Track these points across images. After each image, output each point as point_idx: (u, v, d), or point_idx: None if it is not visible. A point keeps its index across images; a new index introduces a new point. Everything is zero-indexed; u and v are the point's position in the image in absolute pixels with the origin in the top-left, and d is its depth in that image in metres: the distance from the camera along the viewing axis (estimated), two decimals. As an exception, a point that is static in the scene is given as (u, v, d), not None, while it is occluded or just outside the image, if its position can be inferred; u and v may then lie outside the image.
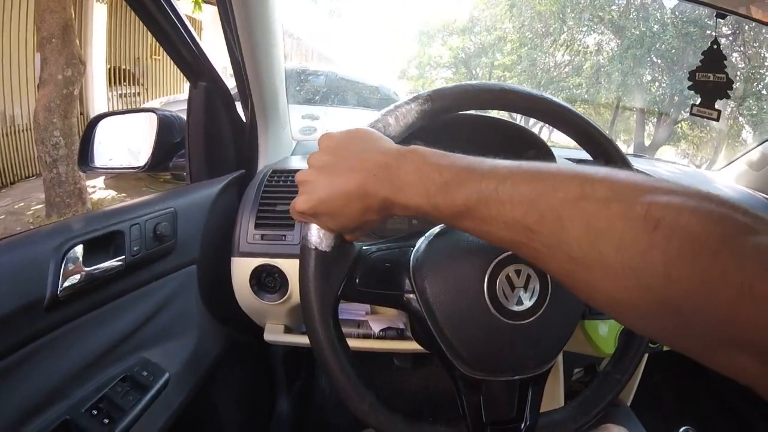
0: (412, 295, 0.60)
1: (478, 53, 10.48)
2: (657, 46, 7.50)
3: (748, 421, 1.70)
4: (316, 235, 0.54)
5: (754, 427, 1.68)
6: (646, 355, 1.32)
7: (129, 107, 6.97)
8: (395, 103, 0.57)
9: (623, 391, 1.36)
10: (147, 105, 5.91)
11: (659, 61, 7.67)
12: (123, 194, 5.34)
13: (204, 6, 4.51)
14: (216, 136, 1.09)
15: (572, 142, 0.70)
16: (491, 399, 0.61)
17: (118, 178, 5.73)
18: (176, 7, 0.91)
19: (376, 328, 1.03)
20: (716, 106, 1.08)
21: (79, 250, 0.68)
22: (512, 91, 0.62)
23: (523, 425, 0.63)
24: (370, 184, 0.48)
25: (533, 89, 0.63)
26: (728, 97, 1.06)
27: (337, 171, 0.50)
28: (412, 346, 0.91)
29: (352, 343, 1.03)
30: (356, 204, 0.49)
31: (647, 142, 7.36)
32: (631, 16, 7.99)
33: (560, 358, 1.14)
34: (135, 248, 0.78)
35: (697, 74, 1.07)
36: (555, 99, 0.64)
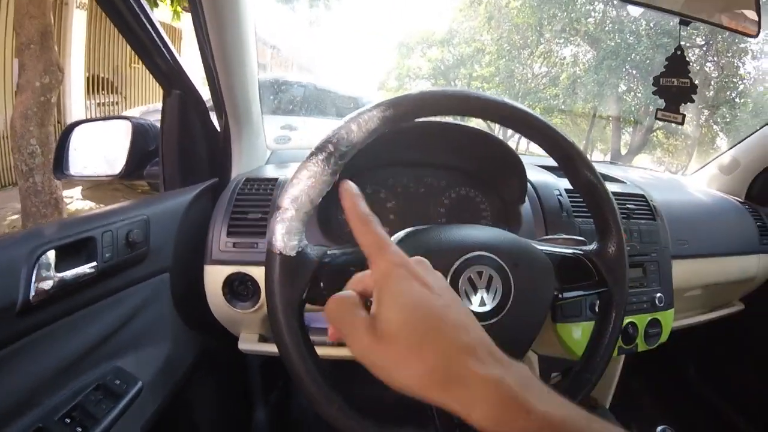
0: None
1: (457, 65, 10.57)
2: (632, 57, 7.64)
3: (729, 420, 1.73)
4: (281, 240, 0.54)
5: (734, 425, 1.71)
6: (623, 357, 1.34)
7: (107, 116, 6.90)
8: (358, 109, 0.58)
9: (602, 394, 1.38)
10: (126, 114, 5.87)
11: (634, 71, 7.81)
12: (100, 204, 5.28)
13: (183, 15, 4.50)
14: (190, 144, 1.10)
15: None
16: None
17: (95, 188, 5.67)
18: (151, 15, 0.91)
19: (347, 335, 1.03)
20: (681, 111, 1.10)
21: (51, 255, 0.68)
22: (473, 97, 0.63)
23: None
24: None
25: (494, 94, 0.64)
26: (692, 101, 1.08)
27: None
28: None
29: (323, 351, 1.02)
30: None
31: (624, 151, 7.47)
32: (607, 28, 8.13)
33: (536, 361, 1.15)
34: (107, 255, 0.78)
35: (661, 79, 1.10)
36: (515, 103, 0.65)
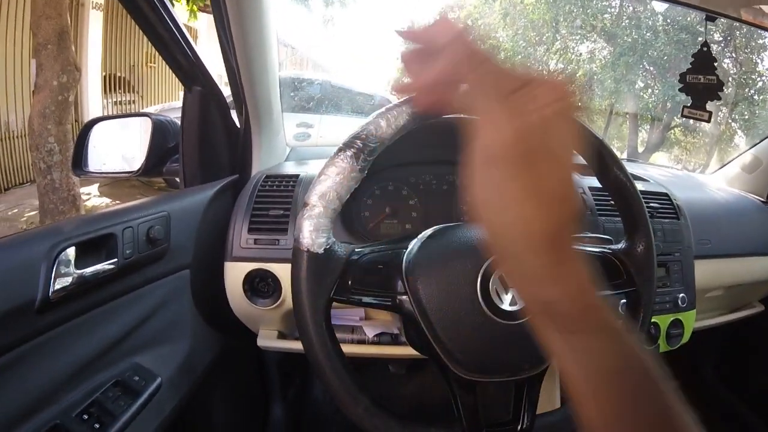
0: (404, 297, 0.60)
1: (473, 62, 10.52)
2: (649, 53, 7.55)
3: (746, 422, 1.71)
4: (308, 237, 0.54)
5: (751, 427, 1.69)
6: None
7: (127, 113, 6.96)
8: (387, 106, 0.57)
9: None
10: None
11: (651, 68, 7.72)
12: (117, 201, 5.32)
13: (199, 14, 4.51)
14: (210, 141, 1.10)
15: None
16: (487, 401, 0.61)
17: (112, 185, 5.73)
18: (173, 12, 0.91)
19: (370, 333, 1.02)
20: (707, 108, 1.09)
21: (71, 252, 0.68)
22: None
23: (519, 427, 0.63)
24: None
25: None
26: (719, 98, 1.07)
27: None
28: (407, 351, 0.91)
29: (347, 348, 1.02)
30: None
31: (641, 148, 7.39)
32: (624, 24, 8.04)
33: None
34: (127, 251, 0.77)
35: (687, 76, 1.08)
36: None
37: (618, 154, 0.70)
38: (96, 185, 5.72)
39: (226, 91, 1.12)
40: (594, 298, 0.38)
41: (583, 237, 0.78)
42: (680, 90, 1.09)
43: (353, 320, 1.05)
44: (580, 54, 8.84)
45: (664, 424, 0.37)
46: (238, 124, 1.17)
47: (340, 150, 0.56)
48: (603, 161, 0.69)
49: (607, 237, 0.78)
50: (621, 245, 0.73)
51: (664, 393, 0.38)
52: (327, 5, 8.63)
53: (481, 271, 0.57)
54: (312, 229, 0.54)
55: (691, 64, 1.08)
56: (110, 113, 6.86)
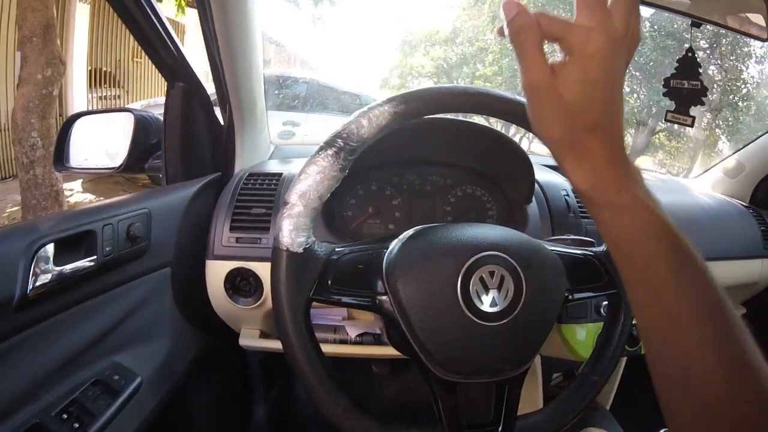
0: (384, 297, 0.59)
1: (460, 64, 10.54)
2: (635, 58, 7.59)
3: None
4: (288, 236, 0.54)
5: None
6: (625, 359, 1.33)
7: (109, 108, 6.89)
8: (369, 105, 0.57)
9: (603, 396, 1.38)
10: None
11: (637, 73, 7.80)
12: (101, 197, 5.27)
13: (188, 10, 4.48)
14: (193, 137, 1.09)
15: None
16: (467, 402, 0.61)
17: (96, 181, 5.67)
18: (156, 7, 0.90)
19: (352, 333, 1.02)
20: (691, 113, 1.09)
21: (50, 249, 0.68)
22: (487, 94, 0.62)
23: (500, 428, 0.63)
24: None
25: (508, 93, 0.63)
26: (702, 103, 1.07)
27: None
28: (389, 351, 0.91)
29: (329, 348, 1.02)
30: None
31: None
32: (611, 28, 8.12)
33: (538, 362, 1.14)
34: (107, 248, 0.77)
35: (671, 81, 1.09)
36: None
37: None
38: (79, 181, 5.66)
39: (211, 87, 1.11)
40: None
41: (565, 239, 0.78)
42: (664, 95, 1.09)
43: (336, 320, 1.04)
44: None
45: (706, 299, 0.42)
46: (221, 122, 1.16)
47: (321, 149, 0.55)
48: None
49: (589, 239, 0.78)
50: (602, 248, 0.73)
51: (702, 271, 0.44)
52: (316, 4, 8.61)
53: (462, 272, 0.57)
54: (291, 229, 0.53)
55: (675, 68, 1.09)
56: (95, 108, 6.79)
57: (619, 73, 0.42)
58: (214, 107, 1.14)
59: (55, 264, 0.68)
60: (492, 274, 0.58)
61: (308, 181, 0.54)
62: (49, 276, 0.67)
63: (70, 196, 5.13)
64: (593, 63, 0.40)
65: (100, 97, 7.05)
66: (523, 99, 0.63)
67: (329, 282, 0.58)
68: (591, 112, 0.41)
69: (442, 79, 10.81)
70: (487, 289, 0.58)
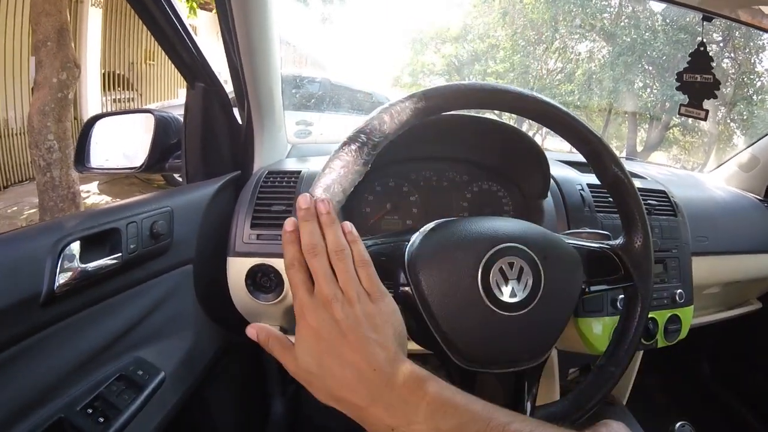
0: (407, 288, 0.61)
1: (471, 61, 10.48)
2: (648, 53, 7.55)
3: (742, 418, 1.72)
4: None
5: (748, 424, 1.70)
6: (641, 354, 1.33)
7: (129, 109, 6.94)
8: (390, 101, 0.58)
9: (619, 391, 1.38)
10: (142, 109, 5.91)
11: (650, 67, 7.73)
12: (116, 199, 5.32)
13: (199, 12, 4.51)
14: (212, 137, 1.10)
15: (566, 146, 0.71)
16: (486, 392, 0.62)
17: (111, 183, 5.73)
18: (177, 8, 0.91)
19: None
20: (704, 106, 1.09)
21: (75, 247, 0.68)
22: (505, 90, 0.63)
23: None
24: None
25: (525, 89, 0.64)
26: (715, 97, 1.07)
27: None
28: (409, 345, 0.92)
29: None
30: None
31: (639, 147, 7.40)
32: (623, 23, 8.04)
33: (555, 356, 1.15)
34: (131, 246, 0.78)
35: (684, 75, 1.09)
36: (546, 99, 0.65)
37: (617, 152, 0.71)
38: (95, 183, 5.72)
39: (228, 88, 1.13)
40: None
41: (581, 232, 0.79)
42: (677, 89, 1.09)
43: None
44: (579, 53, 8.84)
45: None
46: (240, 121, 1.17)
47: (344, 144, 0.56)
48: (601, 159, 0.70)
49: (605, 233, 0.79)
50: (619, 241, 0.74)
51: None
52: (325, 3, 8.62)
53: (482, 263, 0.58)
54: None
55: (687, 63, 1.09)
56: (109, 111, 6.85)
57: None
58: (233, 107, 1.16)
59: (81, 261, 0.69)
60: (511, 265, 0.59)
61: (332, 175, 0.55)
62: (74, 273, 0.67)
63: (87, 197, 5.18)
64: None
65: (114, 100, 7.11)
66: (539, 95, 0.64)
67: None
68: None
69: (453, 76, 10.76)
70: (506, 280, 0.59)
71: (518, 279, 0.59)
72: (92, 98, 6.60)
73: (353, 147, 0.56)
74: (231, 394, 1.28)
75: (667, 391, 1.89)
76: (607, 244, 0.73)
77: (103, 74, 6.84)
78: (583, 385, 0.72)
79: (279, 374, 1.51)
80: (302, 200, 0.51)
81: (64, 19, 3.53)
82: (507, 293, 0.58)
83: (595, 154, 0.70)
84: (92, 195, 5.46)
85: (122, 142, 1.17)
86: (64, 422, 0.67)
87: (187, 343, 0.95)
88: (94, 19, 6.49)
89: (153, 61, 7.57)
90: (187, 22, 0.94)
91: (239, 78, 1.06)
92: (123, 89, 7.36)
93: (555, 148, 2.16)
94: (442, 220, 0.67)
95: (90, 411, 0.70)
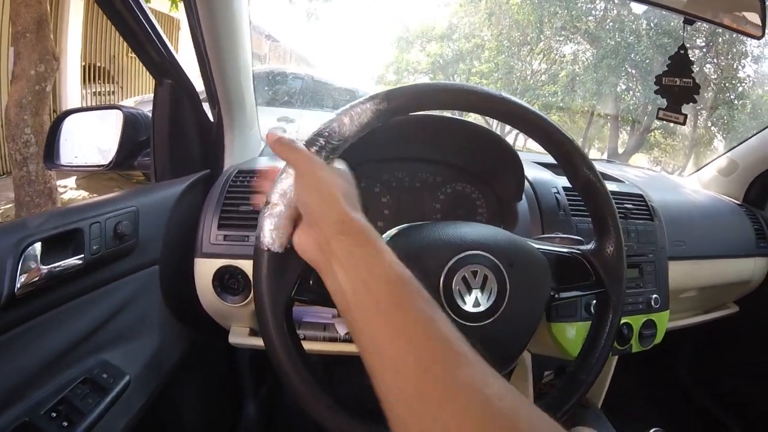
0: None
1: (456, 60, 10.54)
2: (632, 56, 7.64)
3: (719, 422, 1.74)
4: (269, 236, 0.53)
5: (725, 426, 1.71)
6: (616, 357, 1.34)
7: (98, 105, 6.84)
8: (351, 102, 0.57)
9: (594, 394, 1.38)
10: (121, 103, 5.84)
11: (633, 71, 7.83)
12: (94, 194, 5.25)
13: (181, 5, 4.46)
14: (181, 134, 1.08)
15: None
16: None
17: (89, 178, 5.64)
18: (143, 5, 0.89)
19: (342, 330, 1.02)
20: (683, 111, 1.09)
21: (37, 247, 0.67)
22: (472, 91, 0.62)
23: None
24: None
25: (492, 89, 0.63)
26: (695, 101, 1.07)
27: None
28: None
29: (318, 346, 1.02)
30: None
31: (621, 150, 7.48)
32: (607, 26, 8.13)
33: (529, 360, 1.14)
34: (95, 247, 0.76)
35: (663, 78, 1.09)
36: (515, 99, 0.64)
37: (598, 155, 0.71)
38: (73, 178, 5.63)
39: (200, 84, 1.10)
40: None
41: (554, 237, 0.78)
42: (656, 92, 1.09)
43: (325, 318, 1.04)
44: (564, 55, 8.95)
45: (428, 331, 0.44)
46: (211, 118, 1.15)
47: None
48: (572, 161, 0.69)
49: (578, 237, 0.78)
50: (590, 246, 0.73)
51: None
52: None
53: (444, 272, 0.57)
54: (272, 228, 0.53)
55: (667, 66, 1.09)
56: (89, 104, 6.75)
57: None
58: (204, 104, 1.14)
59: (43, 262, 0.68)
60: (475, 273, 0.58)
61: (289, 181, 0.53)
62: (36, 274, 0.66)
63: (64, 192, 5.10)
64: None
65: (95, 93, 7.01)
66: (508, 96, 0.63)
67: (311, 282, 0.57)
68: None
69: (438, 75, 10.82)
70: (470, 289, 0.57)
71: (482, 288, 0.58)
72: (72, 91, 6.50)
73: (311, 150, 0.54)
74: (201, 396, 1.26)
75: (643, 393, 1.90)
76: (578, 249, 0.73)
77: (84, 67, 6.72)
78: (554, 393, 0.71)
79: (251, 375, 1.49)
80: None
81: (44, 11, 3.47)
82: (470, 303, 0.57)
83: (566, 155, 0.69)
84: (69, 190, 5.37)
85: (92, 139, 1.15)
86: (28, 426, 0.66)
87: (154, 345, 0.94)
88: (75, 11, 6.38)
89: (134, 54, 7.46)
90: (165, 16, 0.91)
91: (208, 73, 1.04)
92: (104, 82, 7.25)
93: (533, 149, 2.16)
94: (406, 225, 0.66)
95: (54, 415, 0.70)
